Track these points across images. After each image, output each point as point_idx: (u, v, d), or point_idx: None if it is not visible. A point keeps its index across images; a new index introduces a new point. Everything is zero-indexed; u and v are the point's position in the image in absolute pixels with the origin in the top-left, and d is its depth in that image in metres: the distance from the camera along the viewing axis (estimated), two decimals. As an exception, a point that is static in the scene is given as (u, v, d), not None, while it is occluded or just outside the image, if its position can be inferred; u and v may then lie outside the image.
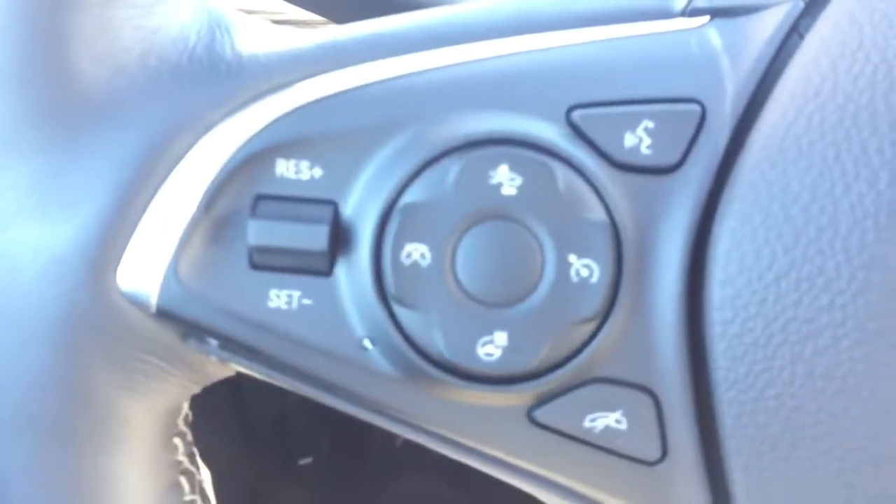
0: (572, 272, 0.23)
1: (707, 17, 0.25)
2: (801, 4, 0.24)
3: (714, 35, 0.24)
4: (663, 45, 0.24)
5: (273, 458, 0.76)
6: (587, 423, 0.23)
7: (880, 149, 0.20)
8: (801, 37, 0.24)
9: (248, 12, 0.47)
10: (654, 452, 0.24)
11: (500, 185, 0.23)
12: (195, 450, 0.29)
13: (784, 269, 0.21)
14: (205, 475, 0.29)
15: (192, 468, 0.28)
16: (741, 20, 0.24)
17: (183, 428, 0.28)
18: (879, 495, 0.21)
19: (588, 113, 0.23)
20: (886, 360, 0.20)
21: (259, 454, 0.75)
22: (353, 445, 0.75)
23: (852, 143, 0.21)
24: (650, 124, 0.23)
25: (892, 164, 0.20)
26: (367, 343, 0.24)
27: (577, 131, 0.23)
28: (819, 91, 0.22)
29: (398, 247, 0.23)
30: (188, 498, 0.28)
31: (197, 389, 0.27)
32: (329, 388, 0.25)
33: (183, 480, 0.28)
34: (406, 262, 0.23)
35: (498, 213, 0.23)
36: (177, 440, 0.27)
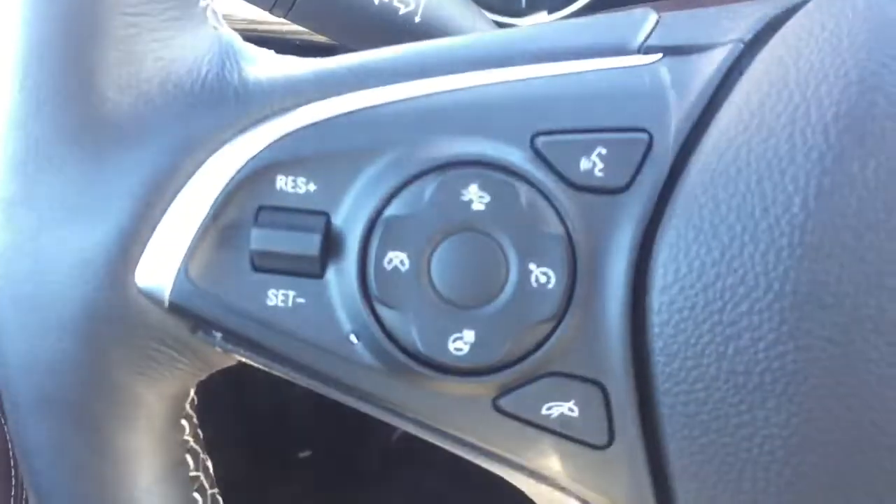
0: (532, 279, 0.26)
1: (660, 55, 0.27)
2: (742, 46, 0.27)
3: (664, 72, 0.27)
4: (618, 80, 0.27)
5: (273, 451, 0.79)
6: (544, 411, 0.26)
7: (795, 177, 0.23)
8: (742, 74, 0.27)
9: (255, 23, 0.50)
10: (602, 437, 0.26)
11: (470, 201, 0.26)
12: (200, 431, 0.32)
13: (711, 279, 0.24)
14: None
15: (197, 447, 0.31)
16: (689, 58, 0.27)
17: (189, 411, 0.31)
18: (792, 476, 0.24)
19: (550, 139, 0.26)
20: (797, 358, 0.23)
21: (259, 447, 0.78)
22: (351, 440, 0.77)
23: (772, 172, 0.24)
24: (603, 150, 0.26)
25: (804, 191, 0.23)
26: (353, 338, 0.27)
27: (540, 155, 0.26)
28: (748, 125, 0.25)
29: (381, 254, 0.26)
30: (193, 474, 0.31)
31: (203, 376, 0.30)
32: (320, 377, 0.27)
33: (189, 458, 0.31)
34: (388, 267, 0.26)
35: (468, 226, 0.26)
36: (184, 421, 0.30)
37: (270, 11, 0.44)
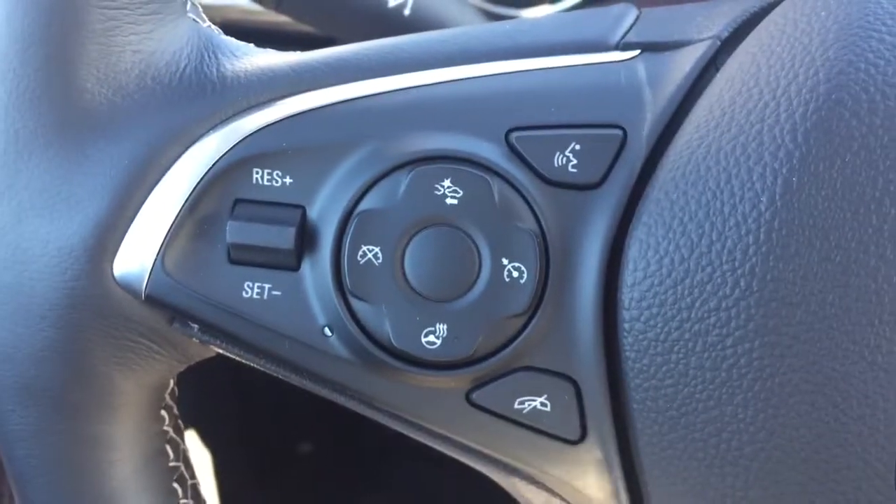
0: (505, 273, 0.26)
1: (637, 51, 0.27)
2: (718, 43, 0.27)
3: (640, 68, 0.27)
4: (594, 76, 0.27)
5: (273, 445, 0.79)
6: (517, 405, 0.26)
7: (763, 175, 0.24)
8: (717, 71, 0.27)
9: (246, 13, 0.50)
10: (575, 432, 0.26)
11: (444, 196, 0.26)
12: (181, 422, 0.32)
13: (680, 275, 0.24)
14: (189, 447, 0.33)
15: (178, 438, 0.31)
16: (666, 55, 0.27)
17: (169, 402, 0.31)
18: (759, 472, 0.24)
19: (524, 135, 0.26)
20: (763, 355, 0.24)
21: (258, 440, 0.78)
22: (350, 432, 0.77)
23: (741, 170, 0.24)
24: (577, 146, 0.26)
25: (772, 189, 0.23)
26: (327, 331, 0.27)
27: (514, 151, 0.26)
28: (719, 123, 0.25)
29: (355, 247, 0.26)
30: (173, 464, 0.31)
31: (182, 367, 0.30)
32: (295, 369, 0.28)
33: (168, 448, 0.31)
34: (361, 260, 0.26)
35: (441, 220, 0.26)
36: (163, 412, 0.30)
37: (261, 3, 0.44)
